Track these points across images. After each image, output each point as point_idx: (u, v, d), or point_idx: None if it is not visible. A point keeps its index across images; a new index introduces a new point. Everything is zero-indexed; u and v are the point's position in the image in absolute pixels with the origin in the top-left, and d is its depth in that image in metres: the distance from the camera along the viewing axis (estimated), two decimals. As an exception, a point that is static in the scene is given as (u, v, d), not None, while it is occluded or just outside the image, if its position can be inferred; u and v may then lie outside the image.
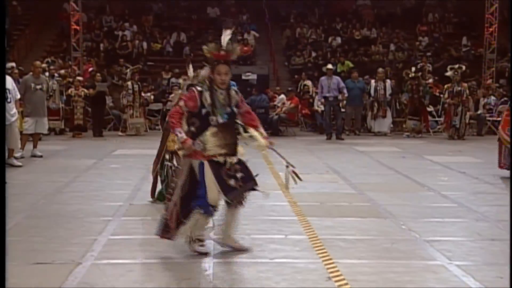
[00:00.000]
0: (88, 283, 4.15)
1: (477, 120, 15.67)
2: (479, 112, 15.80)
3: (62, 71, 15.94)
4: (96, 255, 4.79)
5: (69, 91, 14.70)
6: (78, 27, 18.53)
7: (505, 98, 16.84)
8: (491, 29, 18.93)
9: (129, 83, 15.00)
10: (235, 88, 5.11)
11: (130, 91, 14.79)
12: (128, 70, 15.46)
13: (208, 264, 4.57)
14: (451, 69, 14.57)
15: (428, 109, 15.76)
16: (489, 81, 18.45)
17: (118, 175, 8.93)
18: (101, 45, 21.09)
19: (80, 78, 15.56)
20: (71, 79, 15.49)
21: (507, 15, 22.00)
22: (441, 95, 15.43)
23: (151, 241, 5.24)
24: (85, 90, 14.68)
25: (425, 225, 5.85)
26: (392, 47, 21.53)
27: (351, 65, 19.41)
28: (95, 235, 5.36)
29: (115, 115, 15.87)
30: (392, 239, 5.35)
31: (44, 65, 15.13)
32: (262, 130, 5.10)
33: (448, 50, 21.47)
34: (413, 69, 15.51)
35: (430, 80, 16.58)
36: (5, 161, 8.83)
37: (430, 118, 15.76)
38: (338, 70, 19.11)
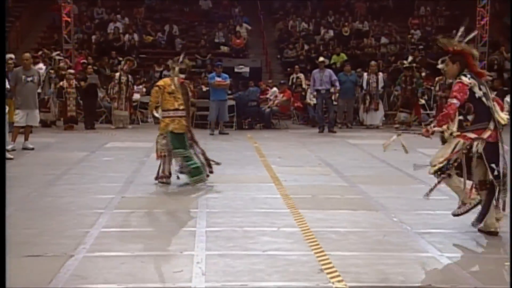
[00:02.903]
0: (80, 275, 4.15)
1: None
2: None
3: (62, 64, 15.83)
4: (88, 247, 4.79)
5: (61, 83, 14.63)
6: (69, 19, 18.44)
7: (495, 92, 16.94)
8: (482, 22, 18.99)
9: (117, 74, 14.98)
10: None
11: (117, 81, 14.77)
12: (122, 61, 15.44)
13: (201, 256, 4.58)
14: (442, 61, 14.60)
15: (421, 101, 15.80)
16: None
17: (110, 168, 8.91)
18: (93, 37, 20.98)
19: (71, 70, 15.48)
20: (64, 72, 15.41)
21: (499, 8, 22.08)
22: (433, 88, 15.47)
23: (144, 234, 5.25)
24: (76, 83, 14.61)
25: (416, 217, 5.88)
26: (384, 40, 21.55)
27: (345, 57, 19.45)
28: (87, 228, 5.35)
29: (107, 107, 15.82)
30: (384, 231, 5.38)
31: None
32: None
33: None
34: (410, 58, 15.53)
35: (423, 73, 16.60)
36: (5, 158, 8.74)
37: (422, 111, 15.82)
38: (332, 61, 19.18)
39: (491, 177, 5.11)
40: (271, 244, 4.94)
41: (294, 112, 16.99)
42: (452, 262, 4.51)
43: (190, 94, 7.62)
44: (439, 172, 5.21)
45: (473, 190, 5.18)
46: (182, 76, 7.62)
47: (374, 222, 5.74)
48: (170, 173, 7.64)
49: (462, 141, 5.12)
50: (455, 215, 5.34)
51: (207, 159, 7.77)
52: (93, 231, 5.27)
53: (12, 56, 13.68)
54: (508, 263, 4.44)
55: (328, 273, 4.20)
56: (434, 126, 5.26)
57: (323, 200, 6.67)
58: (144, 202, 6.64)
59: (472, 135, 5.11)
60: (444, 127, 5.18)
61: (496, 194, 5.17)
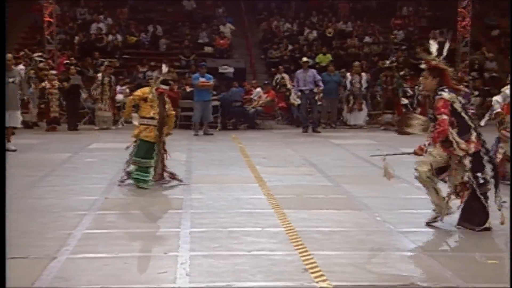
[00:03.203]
0: (64, 277, 4.13)
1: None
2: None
3: (42, 64, 15.69)
4: (71, 249, 4.76)
5: (43, 84, 14.51)
6: (51, 20, 18.27)
7: (477, 92, 17.14)
8: (464, 23, 19.16)
9: (99, 75, 14.92)
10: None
11: (100, 83, 14.71)
12: (104, 62, 15.37)
13: (185, 257, 4.57)
14: None
15: (404, 101, 15.90)
16: (460, 73, 18.69)
17: (93, 169, 8.86)
18: (76, 38, 20.82)
19: (54, 71, 15.35)
20: (47, 72, 15.28)
21: (479, 9, 22.31)
22: (416, 87, 15.58)
23: (127, 235, 5.23)
24: (59, 84, 14.50)
25: (399, 216, 5.92)
26: (368, 40, 21.67)
27: (330, 57, 19.55)
28: (70, 230, 5.32)
29: (90, 108, 15.72)
30: (367, 230, 5.41)
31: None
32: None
33: (423, 43, 21.67)
34: (391, 58, 15.63)
35: (402, 72, 16.69)
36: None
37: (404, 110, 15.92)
38: (318, 60, 19.28)
39: (474, 184, 5.28)
40: (255, 244, 4.95)
41: (278, 112, 17.02)
42: (435, 261, 4.54)
43: (168, 105, 7.64)
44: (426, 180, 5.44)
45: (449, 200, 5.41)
46: (165, 87, 7.65)
47: (357, 221, 5.77)
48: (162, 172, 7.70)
49: (446, 154, 5.38)
50: (429, 223, 5.56)
51: (169, 174, 7.77)
52: (76, 233, 5.24)
53: None
54: (491, 261, 4.50)
55: (312, 273, 4.22)
56: (429, 144, 5.40)
57: (307, 200, 6.69)
58: (128, 203, 6.61)
59: (459, 151, 5.32)
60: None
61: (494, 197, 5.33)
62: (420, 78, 14.70)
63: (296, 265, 4.41)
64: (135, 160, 7.49)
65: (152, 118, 7.46)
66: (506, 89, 7.61)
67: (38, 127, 14.66)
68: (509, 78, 15.36)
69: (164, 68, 7.88)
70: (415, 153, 5.50)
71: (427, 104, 14.51)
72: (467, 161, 5.29)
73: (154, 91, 7.54)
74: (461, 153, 5.30)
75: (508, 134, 7.52)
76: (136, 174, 7.43)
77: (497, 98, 7.62)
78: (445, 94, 5.33)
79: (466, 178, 5.29)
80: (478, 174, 5.29)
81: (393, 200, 6.73)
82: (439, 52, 5.53)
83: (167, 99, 7.76)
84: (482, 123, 7.92)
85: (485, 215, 5.33)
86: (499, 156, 7.68)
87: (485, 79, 19.48)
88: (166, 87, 7.73)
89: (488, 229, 5.30)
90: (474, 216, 5.36)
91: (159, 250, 4.78)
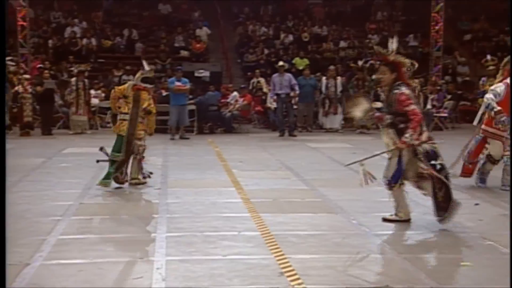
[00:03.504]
0: (37, 283, 4.07)
1: (425, 116, 16.05)
2: (427, 108, 16.18)
3: (12, 68, 15.48)
4: (45, 255, 4.70)
5: (16, 88, 14.31)
6: (24, 23, 18.04)
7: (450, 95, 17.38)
8: (437, 28, 19.44)
9: (73, 79, 14.80)
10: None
11: (74, 88, 14.59)
12: (74, 68, 15.26)
13: (161, 262, 4.55)
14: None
15: (376, 105, 16.00)
16: (434, 77, 18.97)
17: (68, 174, 8.77)
18: (50, 41, 20.59)
19: (27, 76, 15.16)
20: (20, 76, 15.09)
21: (452, 14, 22.65)
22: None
23: (102, 240, 5.18)
24: (32, 88, 14.33)
25: (374, 219, 5.97)
26: (343, 44, 21.84)
27: (307, 62, 19.67)
28: (44, 235, 5.26)
29: (65, 113, 15.55)
30: (343, 233, 5.45)
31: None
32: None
33: (397, 47, 21.91)
34: (371, 62, 15.77)
35: (374, 76, 16.79)
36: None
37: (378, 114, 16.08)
38: (294, 62, 19.38)
39: (433, 172, 5.49)
40: (232, 248, 4.95)
41: (254, 116, 17.04)
42: (409, 263, 4.59)
43: (143, 103, 7.62)
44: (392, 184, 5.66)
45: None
46: (145, 85, 7.68)
47: (333, 224, 5.81)
48: (147, 174, 7.87)
49: (405, 148, 5.57)
50: (385, 220, 5.81)
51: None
52: (50, 239, 5.18)
53: None
54: (464, 263, 4.56)
55: (288, 276, 4.23)
56: (411, 135, 5.51)
57: (284, 204, 6.71)
58: (103, 208, 6.56)
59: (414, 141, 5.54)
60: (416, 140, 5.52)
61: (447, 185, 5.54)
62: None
63: (273, 269, 4.42)
64: (111, 154, 7.60)
65: (126, 113, 7.60)
66: (497, 87, 7.45)
67: (12, 132, 14.45)
68: (480, 82, 15.65)
69: (146, 66, 7.93)
70: (397, 147, 5.60)
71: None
72: (422, 150, 5.53)
73: (130, 88, 7.62)
74: (416, 142, 5.51)
75: (502, 133, 7.43)
76: (109, 168, 7.53)
77: (490, 96, 7.38)
78: (405, 89, 5.59)
79: (424, 167, 5.50)
80: (433, 162, 5.51)
81: (368, 203, 6.78)
82: (395, 49, 5.79)
83: (147, 97, 7.74)
84: (475, 123, 7.89)
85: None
86: (481, 156, 7.67)
87: (457, 84, 19.77)
88: (147, 85, 7.74)
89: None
90: (447, 203, 5.55)
91: (135, 255, 4.74)
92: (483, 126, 7.68)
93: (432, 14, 19.39)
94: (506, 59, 8.09)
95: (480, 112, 7.83)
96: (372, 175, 5.82)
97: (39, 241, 5.06)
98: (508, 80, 7.52)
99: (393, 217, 5.81)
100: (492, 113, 7.35)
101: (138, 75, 7.90)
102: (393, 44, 5.79)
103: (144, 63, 8.15)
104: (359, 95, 6.05)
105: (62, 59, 18.83)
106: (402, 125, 5.54)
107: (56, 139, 13.62)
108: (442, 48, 19.62)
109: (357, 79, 15.37)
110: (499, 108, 7.29)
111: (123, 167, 7.57)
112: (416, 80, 15.04)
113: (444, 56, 20.19)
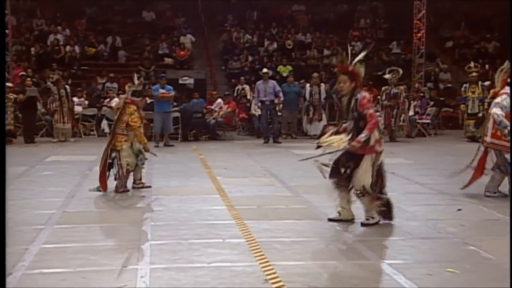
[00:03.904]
0: (19, 294, 4.03)
1: (408, 122, 16.18)
2: (410, 114, 16.32)
3: None
4: (27, 264, 4.65)
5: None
6: (6, 30, 17.89)
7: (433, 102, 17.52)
8: (419, 35, 19.65)
9: (54, 88, 14.72)
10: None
11: (57, 96, 14.51)
12: (51, 75, 15.24)
13: (145, 270, 4.52)
14: (389, 72, 15.07)
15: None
16: (417, 84, 19.15)
17: (50, 182, 8.69)
18: (32, 49, 20.45)
19: (9, 84, 15.02)
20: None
21: (434, 21, 22.91)
22: (379, 97, 15.80)
23: (86, 249, 5.14)
24: (14, 95, 14.21)
25: (358, 226, 6.00)
26: (327, 51, 21.96)
27: (290, 68, 19.75)
28: (27, 245, 5.20)
29: (48, 120, 15.44)
30: (328, 240, 5.46)
31: None
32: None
33: (380, 54, 22.11)
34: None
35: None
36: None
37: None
38: (279, 70, 19.43)
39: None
40: (216, 256, 4.94)
41: (239, 123, 17.05)
42: (393, 269, 4.61)
43: (131, 117, 7.77)
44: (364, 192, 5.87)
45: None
46: (134, 98, 7.91)
47: (318, 231, 5.82)
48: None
49: (373, 155, 5.86)
50: (364, 224, 5.97)
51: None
52: (33, 248, 5.13)
53: None
54: (450, 270, 4.59)
55: (273, 283, 4.23)
56: (366, 135, 5.76)
57: (268, 211, 6.71)
58: (87, 217, 6.51)
59: (379, 148, 5.89)
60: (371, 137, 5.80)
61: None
62: (383, 88, 15.06)
63: (257, 276, 4.42)
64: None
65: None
66: (503, 100, 7.24)
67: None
68: (462, 88, 15.79)
69: (135, 79, 8.12)
70: (351, 146, 5.80)
71: (389, 114, 14.77)
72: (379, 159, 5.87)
73: (122, 102, 7.94)
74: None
75: (503, 143, 7.30)
76: None
77: (496, 111, 7.19)
78: (366, 94, 5.94)
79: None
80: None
81: (352, 209, 6.79)
82: (354, 59, 5.94)
83: (132, 110, 7.76)
84: (488, 139, 7.46)
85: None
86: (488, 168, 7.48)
87: (439, 90, 19.97)
88: (137, 99, 7.96)
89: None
90: (389, 211, 5.99)
91: (118, 264, 4.71)
92: (488, 139, 7.43)
93: (414, 21, 19.60)
94: (503, 66, 7.89)
95: (490, 126, 7.42)
96: (327, 166, 6.10)
97: (21, 251, 5.00)
98: (508, 90, 7.35)
99: (370, 221, 5.97)
100: (506, 131, 7.14)
101: (127, 88, 8.08)
102: (353, 55, 5.97)
103: (134, 76, 8.39)
104: (327, 129, 6.34)
105: (45, 67, 18.69)
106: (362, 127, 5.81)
107: (39, 147, 13.51)
108: (424, 55, 19.81)
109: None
110: (507, 123, 7.11)
111: (105, 177, 7.65)
112: (401, 87, 15.18)
113: (426, 63, 20.40)
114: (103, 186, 7.63)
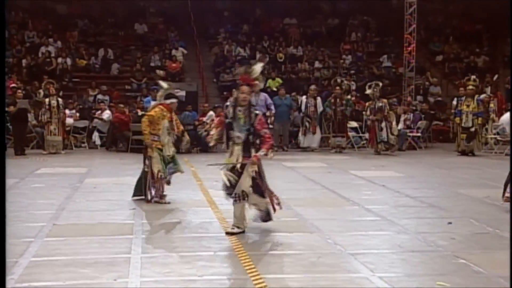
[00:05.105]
0: (8, 307, 4.00)
1: (398, 135, 16.26)
2: (399, 127, 16.39)
3: None
4: (16, 278, 4.62)
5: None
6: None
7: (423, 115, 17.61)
8: (409, 49, 19.80)
9: (47, 99, 14.69)
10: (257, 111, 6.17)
11: (47, 107, 14.48)
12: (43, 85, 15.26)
13: (135, 283, 4.50)
14: (369, 87, 15.12)
15: (352, 124, 16.13)
16: (409, 98, 19.28)
17: (41, 194, 8.65)
18: (23, 61, 20.41)
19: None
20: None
21: (424, 35, 23.11)
22: (364, 112, 15.87)
23: (76, 262, 5.11)
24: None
25: (349, 238, 6.01)
26: (318, 64, 22.08)
27: (280, 81, 19.79)
28: (16, 258, 5.17)
29: (39, 132, 15.38)
30: (319, 253, 5.46)
31: None
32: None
33: (370, 68, 22.26)
34: (350, 84, 15.89)
35: (349, 96, 16.94)
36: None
37: (354, 134, 16.23)
38: (268, 86, 19.44)
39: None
40: (207, 268, 4.93)
41: (230, 136, 17.01)
42: (384, 283, 4.62)
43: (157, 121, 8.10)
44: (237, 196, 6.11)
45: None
46: (170, 101, 8.14)
47: (309, 244, 5.82)
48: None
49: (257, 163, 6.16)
50: (228, 233, 6.05)
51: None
52: (22, 261, 5.09)
53: None
54: (440, 283, 4.60)
55: (264, 296, 4.22)
56: (265, 154, 6.17)
57: (259, 223, 6.69)
58: (77, 229, 6.47)
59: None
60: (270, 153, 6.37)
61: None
62: (367, 103, 15.13)
63: (248, 289, 4.41)
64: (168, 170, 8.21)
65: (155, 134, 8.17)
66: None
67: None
68: (454, 102, 15.84)
69: (163, 84, 8.32)
70: (252, 162, 6.10)
71: (376, 128, 14.84)
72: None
73: (153, 108, 8.08)
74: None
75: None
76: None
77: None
78: (259, 112, 6.24)
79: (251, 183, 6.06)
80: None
81: (343, 222, 6.82)
82: (257, 71, 6.15)
83: (164, 114, 7.94)
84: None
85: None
86: None
87: (430, 104, 20.10)
88: (172, 100, 8.10)
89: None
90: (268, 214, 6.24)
91: (109, 277, 4.69)
92: None
93: (405, 35, 19.76)
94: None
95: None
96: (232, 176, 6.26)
97: (11, 264, 4.96)
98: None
99: (234, 230, 6.08)
100: None
101: (159, 93, 8.13)
102: (256, 66, 6.17)
103: (161, 82, 8.53)
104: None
105: (36, 79, 18.65)
106: (257, 144, 6.11)
107: (29, 159, 13.44)
108: (414, 69, 19.97)
109: (335, 98, 15.46)
110: None
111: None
112: (384, 100, 15.25)
113: (417, 76, 20.55)
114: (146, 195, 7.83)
